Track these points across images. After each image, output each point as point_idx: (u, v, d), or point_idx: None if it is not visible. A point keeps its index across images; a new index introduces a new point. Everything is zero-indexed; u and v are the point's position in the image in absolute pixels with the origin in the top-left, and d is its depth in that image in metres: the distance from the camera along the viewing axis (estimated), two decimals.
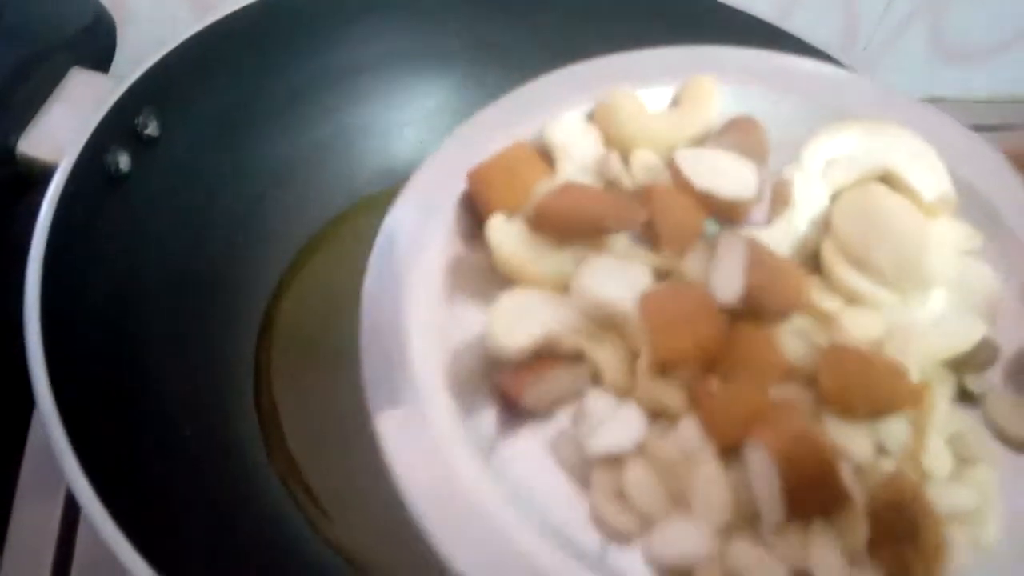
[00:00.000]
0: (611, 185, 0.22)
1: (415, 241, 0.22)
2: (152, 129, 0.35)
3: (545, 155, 0.23)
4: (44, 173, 0.32)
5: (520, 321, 0.20)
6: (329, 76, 0.42)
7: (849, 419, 0.18)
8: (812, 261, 0.21)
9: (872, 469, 0.18)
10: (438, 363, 0.20)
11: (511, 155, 0.22)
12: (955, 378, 0.20)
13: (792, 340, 0.19)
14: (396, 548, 0.30)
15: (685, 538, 0.17)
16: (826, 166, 0.22)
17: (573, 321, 0.20)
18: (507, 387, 0.19)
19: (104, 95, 0.33)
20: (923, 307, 0.20)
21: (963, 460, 0.18)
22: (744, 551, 0.17)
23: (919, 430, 0.18)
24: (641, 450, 0.18)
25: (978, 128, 0.24)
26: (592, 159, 0.23)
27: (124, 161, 0.34)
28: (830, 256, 0.21)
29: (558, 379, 0.19)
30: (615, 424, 0.18)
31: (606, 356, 0.20)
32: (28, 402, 0.29)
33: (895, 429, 0.18)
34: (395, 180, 0.41)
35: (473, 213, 0.22)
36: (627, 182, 0.22)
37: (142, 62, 0.34)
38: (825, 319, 0.20)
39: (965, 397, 0.20)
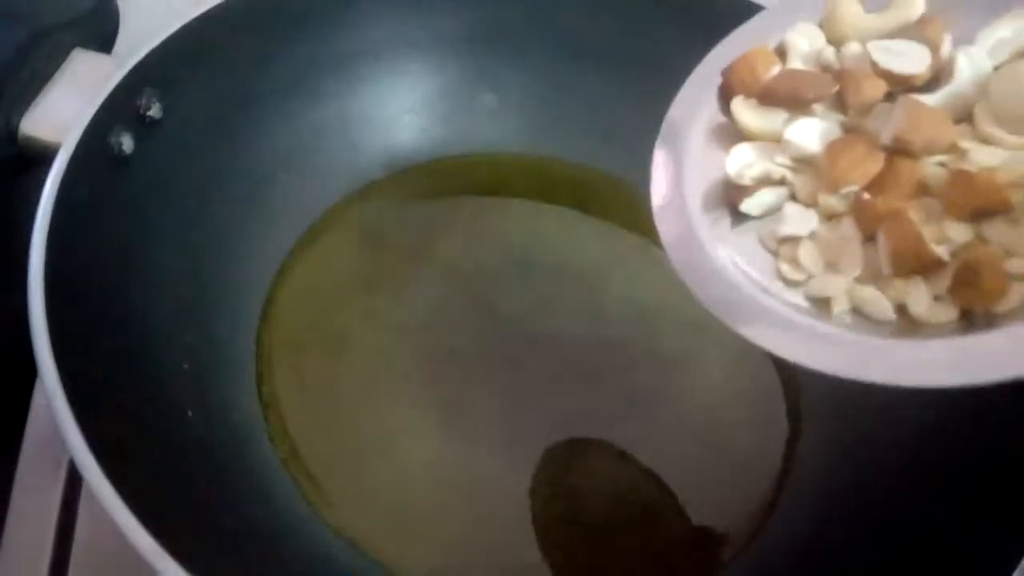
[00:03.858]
0: (825, 70, 0.32)
1: (694, 111, 0.34)
2: (155, 111, 0.34)
3: (782, 53, 0.34)
4: (46, 153, 0.31)
5: (749, 160, 0.31)
6: (332, 61, 0.41)
7: (961, 220, 0.27)
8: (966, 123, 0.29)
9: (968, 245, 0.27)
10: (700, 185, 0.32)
11: (751, 56, 0.33)
12: None
13: (933, 168, 0.28)
14: (397, 531, 0.34)
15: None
16: (995, 45, 0.30)
17: (782, 160, 0.31)
18: (732, 197, 0.31)
19: (107, 76, 0.32)
20: None
21: None
22: (867, 291, 0.27)
23: (1014, 222, 0.26)
24: (812, 236, 0.29)
25: None
26: (814, 53, 0.33)
27: (127, 142, 0.33)
28: (981, 114, 0.29)
29: (765, 193, 0.31)
30: (798, 218, 0.29)
31: (800, 182, 0.30)
32: (30, 378, 0.30)
33: (998, 227, 0.27)
34: (396, 167, 0.42)
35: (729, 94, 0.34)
36: (836, 67, 0.32)
37: (145, 44, 0.34)
38: (961, 155, 0.28)
39: None
